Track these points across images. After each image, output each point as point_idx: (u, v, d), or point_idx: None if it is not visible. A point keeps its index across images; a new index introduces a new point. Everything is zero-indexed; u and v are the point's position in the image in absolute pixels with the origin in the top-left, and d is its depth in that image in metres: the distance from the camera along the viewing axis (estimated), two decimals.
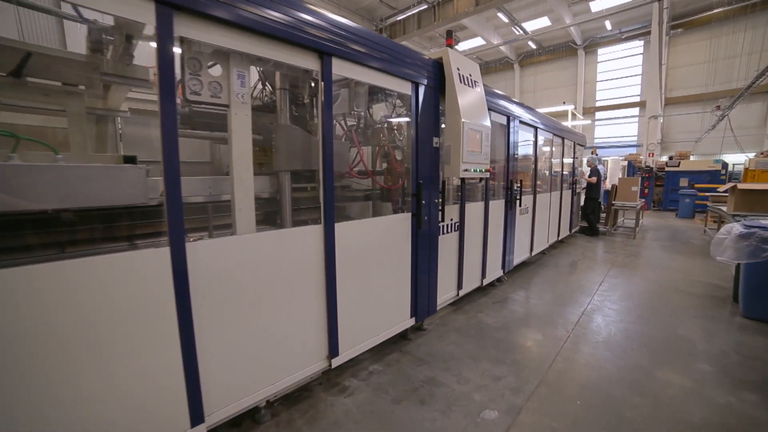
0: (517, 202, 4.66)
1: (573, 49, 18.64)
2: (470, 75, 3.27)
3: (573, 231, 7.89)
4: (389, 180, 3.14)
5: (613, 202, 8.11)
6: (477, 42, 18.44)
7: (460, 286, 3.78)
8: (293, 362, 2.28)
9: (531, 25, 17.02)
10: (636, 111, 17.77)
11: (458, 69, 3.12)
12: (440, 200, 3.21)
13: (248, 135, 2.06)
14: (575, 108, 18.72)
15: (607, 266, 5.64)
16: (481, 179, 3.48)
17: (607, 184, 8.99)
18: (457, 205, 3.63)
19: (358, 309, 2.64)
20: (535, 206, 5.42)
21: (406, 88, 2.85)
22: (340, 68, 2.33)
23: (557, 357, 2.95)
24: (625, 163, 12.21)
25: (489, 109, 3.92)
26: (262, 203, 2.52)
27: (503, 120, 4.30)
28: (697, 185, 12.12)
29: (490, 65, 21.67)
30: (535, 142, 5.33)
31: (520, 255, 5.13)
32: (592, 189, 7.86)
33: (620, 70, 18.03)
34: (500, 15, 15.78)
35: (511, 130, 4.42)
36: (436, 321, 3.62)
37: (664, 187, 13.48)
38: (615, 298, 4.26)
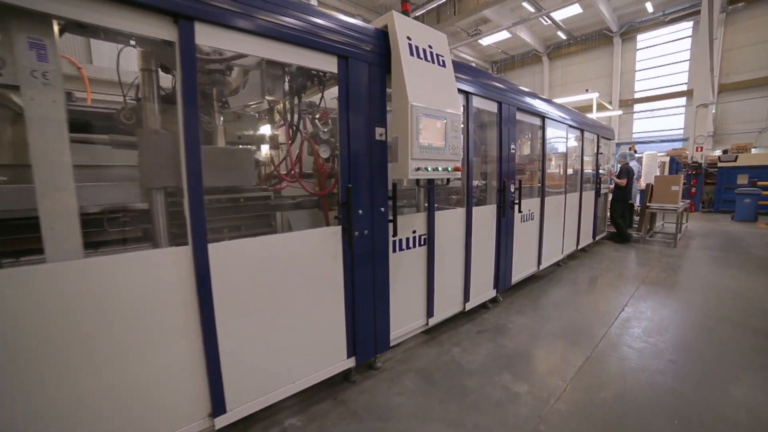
0: (515, 207, 3.72)
1: (608, 37, 16.62)
2: (430, 47, 2.44)
3: (598, 238, 6.64)
4: (317, 185, 2.40)
5: (648, 203, 6.72)
6: (502, 35, 17.03)
7: (430, 313, 2.95)
8: (160, 423, 1.64)
9: (560, 14, 15.37)
10: (682, 101, 15.45)
11: (409, 38, 2.31)
12: (391, 209, 2.43)
13: (61, 128, 1.43)
14: (610, 101, 16.74)
15: (635, 283, 4.48)
16: (447, 180, 2.64)
17: (642, 183, 7.57)
18: (425, 214, 2.81)
19: (261, 351, 1.94)
20: (544, 211, 4.40)
21: (329, 64, 2.10)
22: (209, 37, 1.64)
23: (539, 426, 2.06)
24: (667, 159, 10.39)
25: (472, 94, 3.06)
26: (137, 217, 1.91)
27: (493, 107, 3.39)
28: (761, 183, 10.04)
29: (516, 59, 20.05)
30: (543, 135, 4.31)
31: (522, 270, 4.16)
32: (621, 190, 6.56)
33: (663, 56, 15.77)
34: (525, 4, 14.35)
35: (506, 120, 3.50)
36: (397, 356, 2.83)
37: (716, 185, 11.39)
38: (640, 330, 3.20)
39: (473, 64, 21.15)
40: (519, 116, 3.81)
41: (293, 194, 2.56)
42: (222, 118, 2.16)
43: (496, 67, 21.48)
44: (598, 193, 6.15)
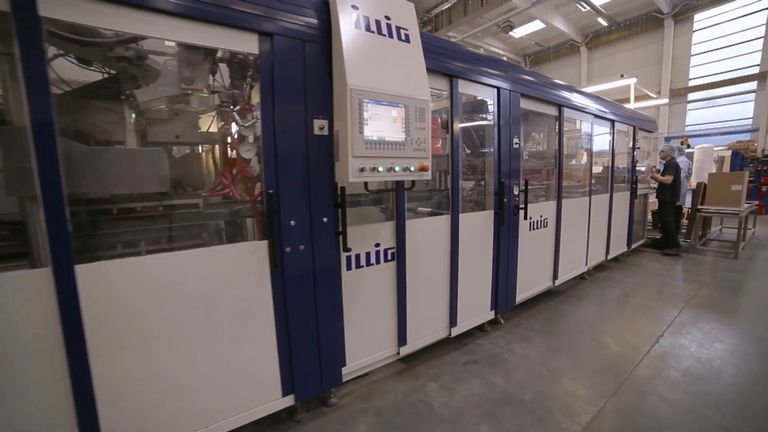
0: (520, 212, 3.05)
1: (658, 19, 14.62)
2: (387, 18, 1.91)
3: (635, 245, 5.61)
4: (245, 190, 1.97)
5: (699, 206, 5.55)
6: (535, 26, 15.69)
7: (402, 340, 2.42)
8: None
9: None
10: (751, 86, 13.17)
11: (354, 7, 1.80)
12: (337, 219, 1.94)
13: None
14: (659, 91, 14.80)
15: (677, 305, 3.58)
16: (412, 183, 2.09)
17: (692, 182, 6.33)
18: (392, 224, 2.29)
19: (159, 392, 1.56)
20: (560, 216, 3.65)
21: (247, 43, 1.66)
22: (55, 8, 1.27)
23: None
24: (727, 153, 8.73)
25: (457, 77, 2.49)
26: None
27: (488, 94, 2.76)
28: None
29: (551, 51, 18.42)
30: (560, 127, 3.56)
31: (532, 286, 3.47)
32: (667, 190, 5.47)
33: (728, 36, 13.54)
34: None
35: (506, 109, 2.85)
36: (360, 389, 2.34)
37: None
38: (678, 373, 2.42)
39: (504, 59, 19.97)
40: (526, 104, 3.13)
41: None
42: (133, 115, 1.81)
43: (530, 60, 19.97)
44: (634, 194, 5.16)
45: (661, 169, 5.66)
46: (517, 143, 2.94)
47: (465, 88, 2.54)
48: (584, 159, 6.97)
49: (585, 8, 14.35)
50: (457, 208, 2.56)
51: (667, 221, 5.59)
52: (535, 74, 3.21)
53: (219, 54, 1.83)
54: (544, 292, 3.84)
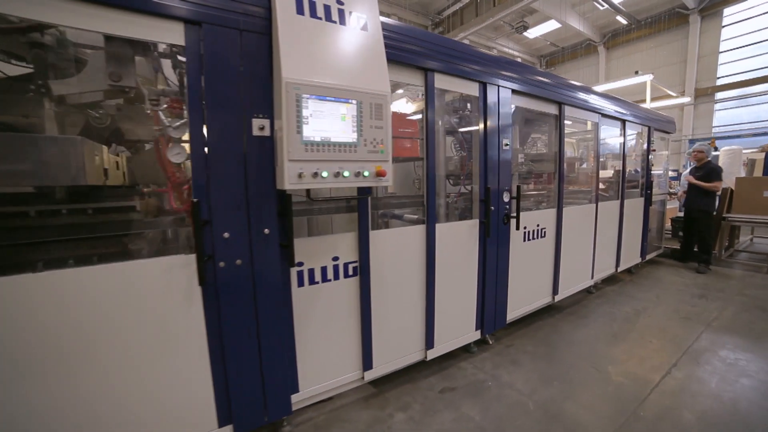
0: (512, 222, 2.70)
1: (682, 16, 13.71)
2: (339, 4, 1.66)
3: (651, 256, 5.08)
4: (178, 198, 1.75)
5: (725, 214, 4.96)
6: (550, 26, 15.06)
7: (367, 364, 2.14)
8: None
9: None
10: None
11: None
12: (285, 229, 1.70)
13: None
14: (683, 91, 13.87)
15: (695, 327, 3.11)
16: (358, 194, 1.83)
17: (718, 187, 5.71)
18: (353, 235, 2.02)
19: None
20: (561, 225, 3.26)
21: (172, 34, 1.45)
22: None
23: None
24: (760, 155, 7.87)
25: (434, 71, 2.21)
26: None
27: (473, 90, 2.45)
28: None
29: (567, 52, 17.68)
30: (560, 127, 3.19)
31: (527, 302, 3.10)
32: (709, 198, 4.61)
33: (761, 31, 12.50)
34: None
35: (493, 106, 2.53)
36: (319, 417, 2.05)
37: None
38: (694, 417, 2.02)
39: (519, 60, 19.38)
40: (520, 102, 2.80)
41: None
42: (51, 105, 1.63)
43: (545, 61, 19.26)
44: (648, 201, 4.65)
45: (698, 174, 4.76)
46: (507, 145, 2.61)
47: (443, 82, 2.24)
48: (581, 163, 6.50)
49: (603, 6, 13.67)
50: (432, 217, 2.26)
51: (706, 235, 4.66)
52: (529, 68, 2.87)
53: (152, 47, 1.64)
54: (544, 308, 3.45)
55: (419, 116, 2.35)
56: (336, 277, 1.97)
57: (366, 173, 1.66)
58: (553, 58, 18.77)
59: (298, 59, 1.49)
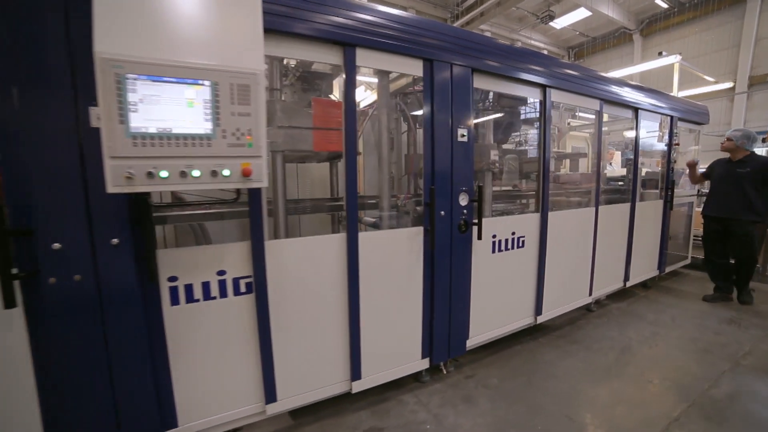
0: (473, 229, 2.20)
1: None
2: None
3: (672, 268, 4.24)
4: None
5: None
6: (579, 14, 13.72)
7: (270, 395, 1.74)
8: None
9: None
10: None
11: None
12: (143, 241, 1.36)
13: None
14: (734, 80, 12.14)
15: (716, 364, 2.41)
16: (237, 193, 1.43)
17: None
18: (245, 246, 1.64)
19: None
20: (546, 234, 2.68)
21: None
22: None
23: None
24: None
25: (367, 48, 1.79)
26: None
27: (415, 69, 1.95)
28: None
29: (597, 42, 16.10)
30: (544, 114, 2.59)
31: (499, 323, 2.54)
32: (758, 204, 3.34)
33: None
34: None
35: (442, 87, 2.01)
36: None
37: None
38: None
39: (545, 52, 17.93)
40: (486, 84, 2.27)
41: None
42: None
43: (573, 53, 17.74)
44: (669, 203, 3.85)
45: (734, 168, 3.53)
46: (464, 136, 2.11)
47: (368, 59, 1.80)
48: (614, 160, 5.65)
49: None
50: (354, 224, 1.83)
51: (755, 261, 3.51)
52: (494, 42, 2.29)
53: None
54: (526, 330, 2.88)
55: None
56: (223, 294, 1.61)
57: (226, 172, 1.28)
58: (583, 50, 17.23)
59: (120, 26, 1.12)
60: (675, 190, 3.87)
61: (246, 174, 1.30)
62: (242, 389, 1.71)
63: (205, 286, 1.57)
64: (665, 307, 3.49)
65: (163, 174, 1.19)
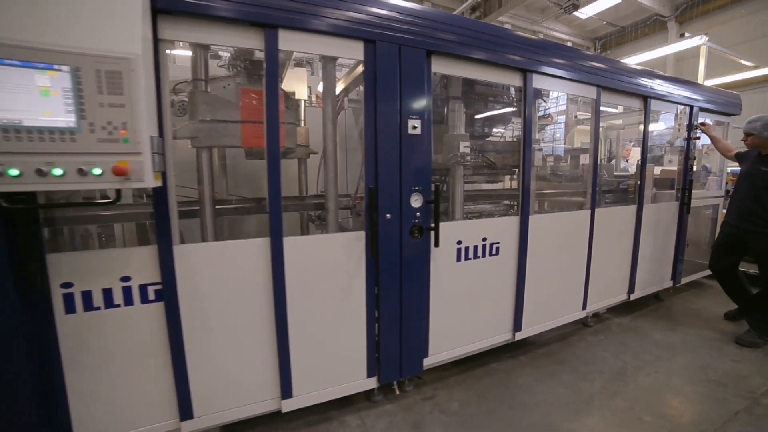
0: (430, 235, 1.92)
1: None
2: None
3: (689, 279, 3.68)
4: None
5: None
6: (606, 2, 12.65)
7: (186, 412, 1.56)
8: None
9: None
10: None
11: None
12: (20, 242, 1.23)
13: None
14: None
15: (730, 403, 1.97)
16: (117, 195, 1.26)
17: None
18: (150, 250, 1.48)
19: None
20: (526, 239, 2.33)
21: None
22: None
23: None
24: None
25: (292, 29, 1.59)
26: None
27: (354, 52, 1.70)
28: None
29: (628, 31, 14.87)
30: (525, 101, 2.24)
31: (466, 340, 2.22)
32: None
33: None
34: None
35: (388, 71, 1.72)
36: None
37: None
38: None
39: (569, 44, 16.79)
40: (449, 68, 1.96)
41: None
42: None
43: (601, 45, 16.54)
44: (686, 206, 3.33)
45: (757, 166, 2.79)
46: (416, 128, 1.83)
47: (294, 42, 1.57)
48: (631, 157, 5.07)
49: None
50: (278, 228, 1.62)
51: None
52: (459, 21, 1.94)
53: None
54: (508, 345, 2.55)
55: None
56: (128, 302, 1.45)
57: (97, 171, 1.11)
58: (611, 41, 16.01)
59: None
60: (695, 191, 3.35)
61: (120, 173, 1.12)
62: (153, 404, 1.56)
63: (107, 292, 1.42)
64: (676, 324, 3.02)
65: (13, 172, 1.04)
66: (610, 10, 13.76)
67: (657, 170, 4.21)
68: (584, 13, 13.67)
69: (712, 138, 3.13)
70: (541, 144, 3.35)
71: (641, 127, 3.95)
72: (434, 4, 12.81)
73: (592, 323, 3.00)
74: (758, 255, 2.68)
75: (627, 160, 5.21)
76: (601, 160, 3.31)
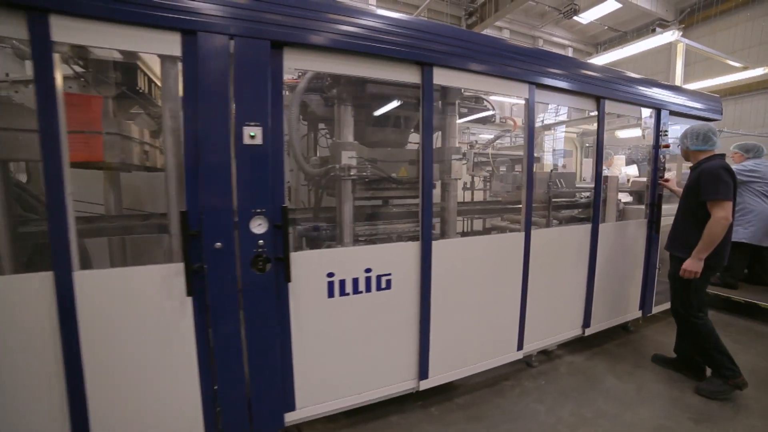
0: (280, 266, 1.52)
1: None
2: None
3: (661, 309, 3.09)
4: None
5: None
6: (608, 6, 12.03)
7: None
8: None
9: None
10: None
11: None
12: None
13: None
14: None
15: None
16: None
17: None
18: None
19: None
20: (429, 268, 1.88)
21: None
22: None
23: None
24: None
25: (64, 14, 1.24)
26: None
27: (162, 46, 1.33)
28: None
29: (629, 36, 14.15)
30: (423, 102, 1.80)
31: (351, 390, 1.79)
32: (694, 232, 2.09)
33: None
34: None
35: (208, 68, 1.35)
36: None
37: None
38: None
39: (570, 51, 16.13)
40: (313, 63, 1.58)
41: None
42: None
43: (603, 50, 15.82)
44: (654, 225, 2.79)
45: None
46: (253, 136, 1.45)
47: (75, 34, 1.22)
48: (621, 170, 4.55)
49: None
50: (67, 260, 1.27)
51: (694, 314, 2.18)
52: (316, 4, 1.52)
53: None
54: (421, 393, 2.08)
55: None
56: None
57: None
58: (612, 46, 15.29)
59: None
60: (668, 206, 2.82)
61: None
62: None
63: None
64: (637, 365, 2.47)
65: None
66: (611, 15, 13.14)
67: (628, 181, 3.69)
68: (585, 18, 13.09)
69: (677, 193, 2.56)
70: (466, 150, 2.91)
71: (618, 133, 3.45)
72: (431, 9, 12.49)
73: (537, 363, 2.49)
74: (669, 276, 2.30)
75: (607, 168, 4.68)
76: (552, 170, 2.83)
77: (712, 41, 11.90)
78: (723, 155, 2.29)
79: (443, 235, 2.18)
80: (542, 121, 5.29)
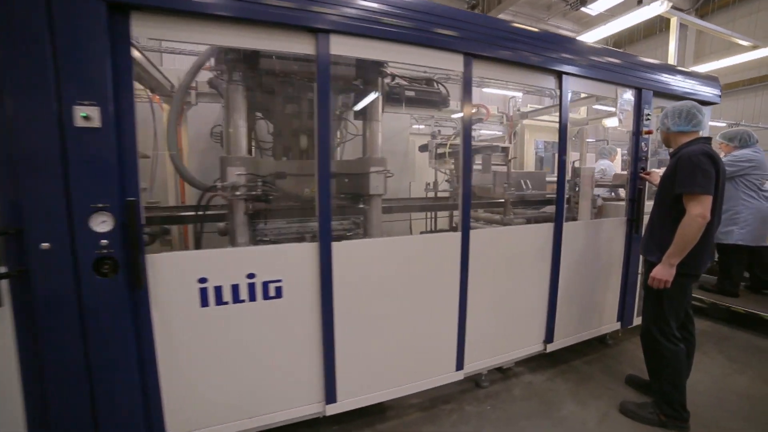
0: (145, 271, 1.28)
1: None
2: None
3: (638, 321, 2.60)
4: None
5: None
6: None
7: None
8: None
9: None
10: None
11: None
12: None
13: None
14: None
15: None
16: None
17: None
18: None
19: None
20: (330, 276, 1.57)
21: None
22: None
23: None
24: None
25: None
26: None
27: None
28: None
29: (642, 27, 13.24)
30: (320, 78, 1.54)
31: (248, 413, 1.52)
32: (668, 234, 1.66)
33: None
34: None
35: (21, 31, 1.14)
36: None
37: None
38: None
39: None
40: (154, 29, 1.34)
41: None
42: None
43: (613, 42, 14.94)
44: (634, 223, 2.37)
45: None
46: (88, 118, 1.19)
47: None
48: (619, 166, 4.11)
49: None
50: None
51: (661, 327, 1.76)
52: None
53: None
54: (343, 416, 1.78)
55: None
56: None
57: None
58: (621, 37, 14.41)
59: None
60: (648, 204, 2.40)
61: None
62: None
63: None
64: (606, 387, 2.07)
65: None
66: (622, 6, 12.34)
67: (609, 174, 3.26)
68: (593, 9, 12.36)
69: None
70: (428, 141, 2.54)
71: (606, 122, 3.06)
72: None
73: (488, 383, 2.13)
74: (643, 286, 1.92)
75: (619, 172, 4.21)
76: (510, 160, 2.47)
77: (733, 29, 10.98)
78: (709, 138, 1.87)
79: (366, 235, 1.88)
80: (518, 109, 4.88)
